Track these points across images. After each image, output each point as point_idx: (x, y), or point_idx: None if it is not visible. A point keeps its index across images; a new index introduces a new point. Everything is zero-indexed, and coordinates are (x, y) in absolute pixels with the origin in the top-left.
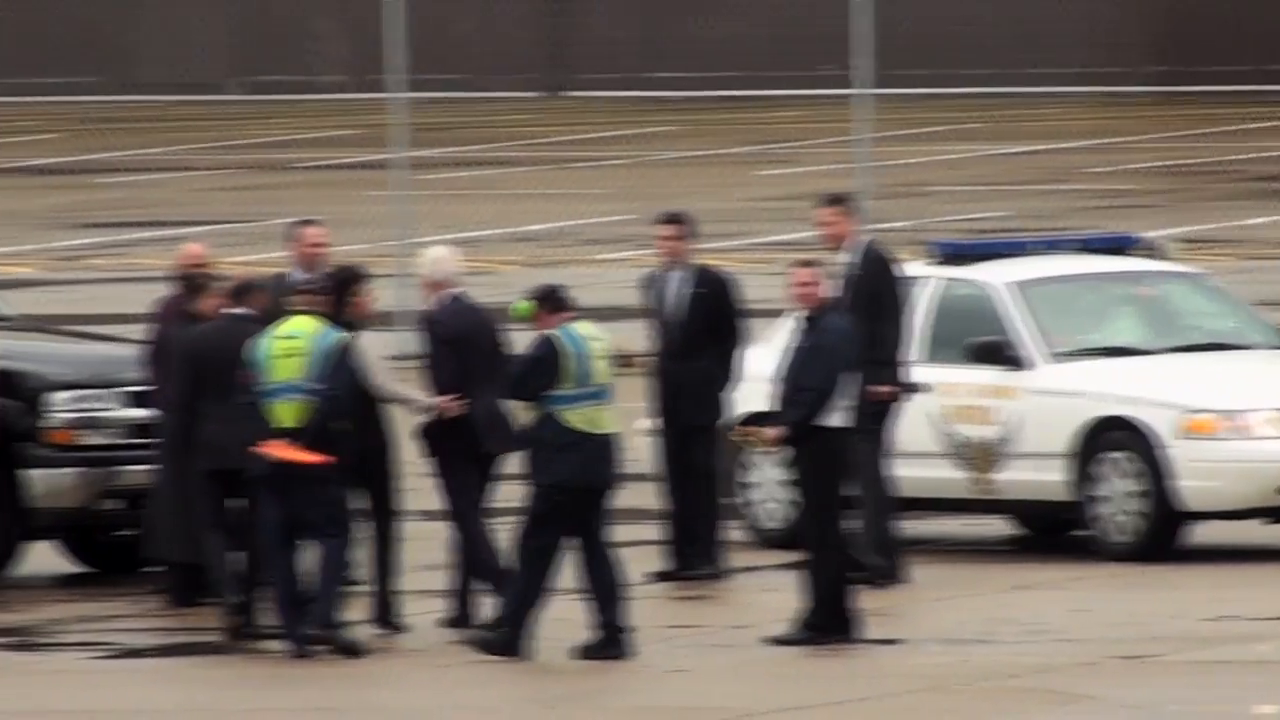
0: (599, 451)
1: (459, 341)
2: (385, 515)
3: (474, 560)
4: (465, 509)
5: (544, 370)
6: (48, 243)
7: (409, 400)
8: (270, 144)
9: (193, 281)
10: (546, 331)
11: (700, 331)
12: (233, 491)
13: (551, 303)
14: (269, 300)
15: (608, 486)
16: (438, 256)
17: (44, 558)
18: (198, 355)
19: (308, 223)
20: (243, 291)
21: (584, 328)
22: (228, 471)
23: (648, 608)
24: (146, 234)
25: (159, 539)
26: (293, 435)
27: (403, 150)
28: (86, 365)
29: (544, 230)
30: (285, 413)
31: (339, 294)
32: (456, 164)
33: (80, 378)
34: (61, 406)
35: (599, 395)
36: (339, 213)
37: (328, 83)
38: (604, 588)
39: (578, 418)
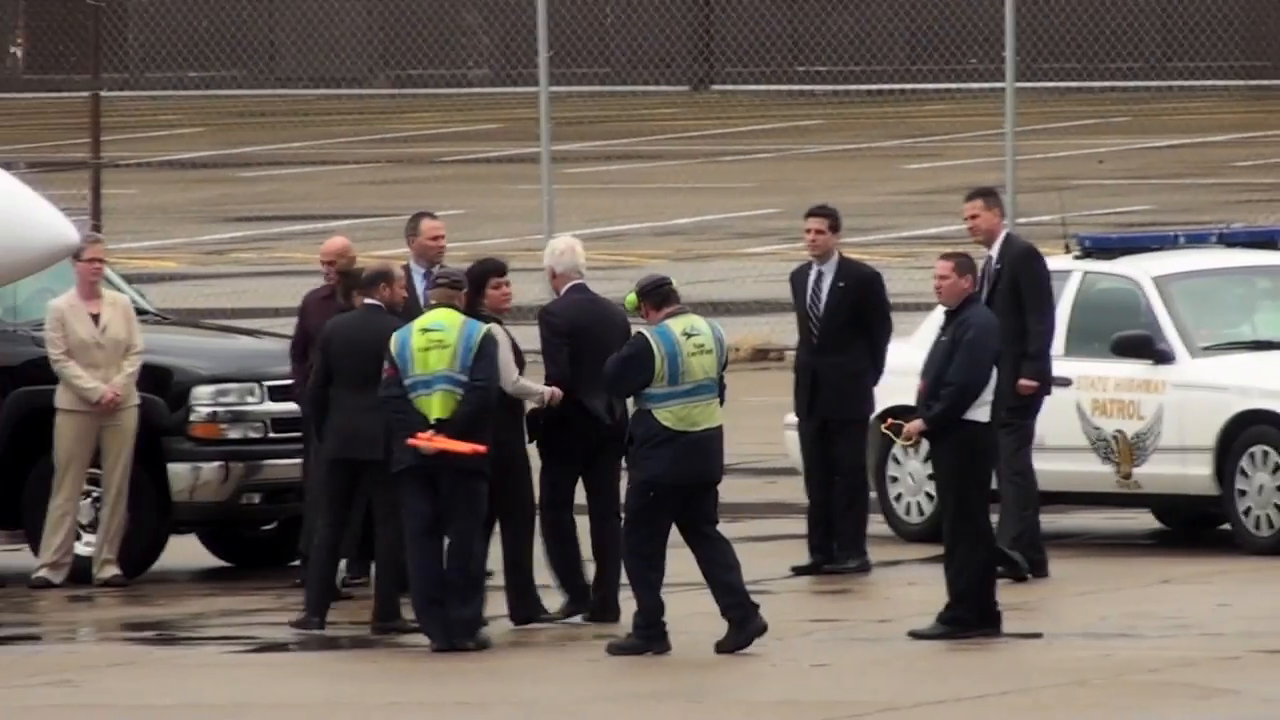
0: (693, 448)
1: (572, 334)
2: (523, 508)
3: (548, 553)
4: (555, 502)
5: (635, 369)
6: (193, 237)
7: (531, 392)
8: (416, 138)
9: (355, 277)
10: (640, 329)
11: (845, 325)
12: (359, 483)
13: (655, 297)
14: (401, 293)
15: (705, 482)
16: (561, 248)
17: (186, 552)
18: (329, 346)
19: (426, 216)
20: (372, 282)
21: (684, 323)
22: (355, 462)
23: (791, 602)
24: (291, 228)
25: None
26: (444, 426)
27: (548, 144)
28: (231, 360)
29: (690, 224)
30: (435, 404)
31: (478, 286)
32: (603, 158)
33: (225, 372)
34: (206, 401)
35: (693, 393)
36: (484, 206)
37: (474, 76)
38: (719, 581)
39: (669, 415)
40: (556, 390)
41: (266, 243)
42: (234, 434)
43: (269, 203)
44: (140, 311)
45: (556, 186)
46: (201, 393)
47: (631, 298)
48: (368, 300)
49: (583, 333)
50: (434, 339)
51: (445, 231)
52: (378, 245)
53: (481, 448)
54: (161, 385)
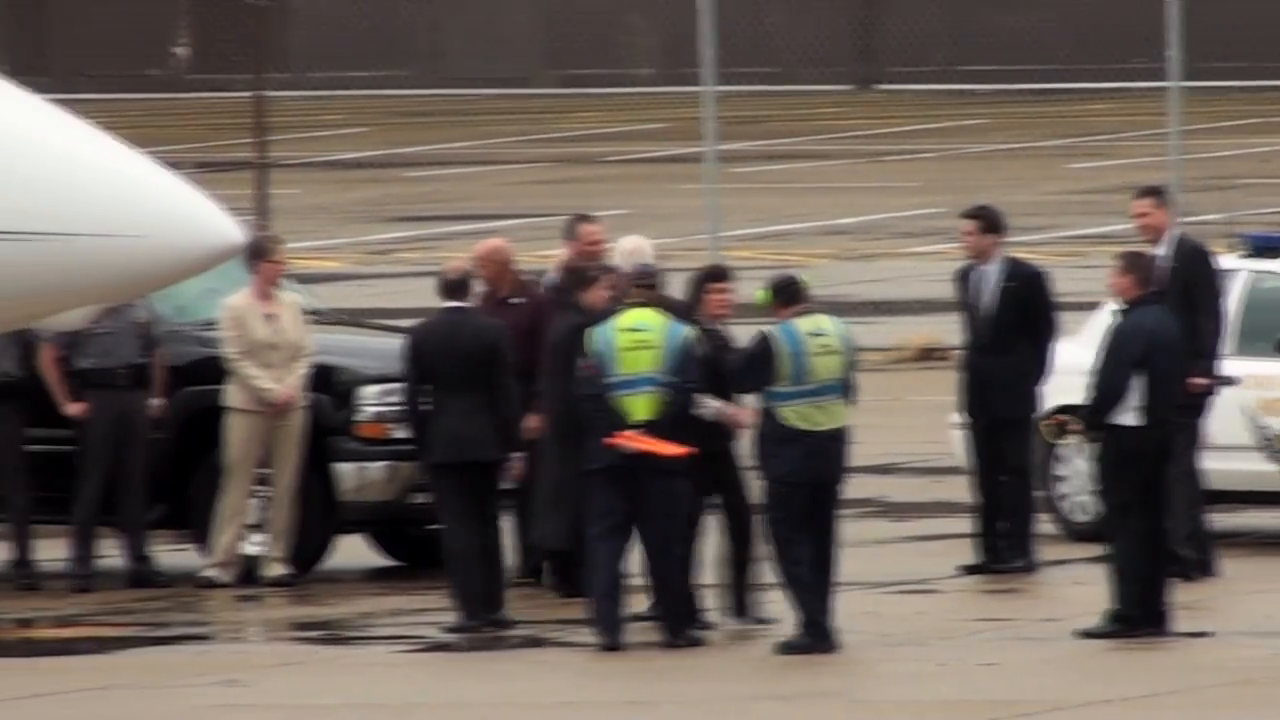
0: (818, 448)
1: None
2: (738, 508)
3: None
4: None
5: (758, 367)
6: (356, 237)
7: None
8: (580, 137)
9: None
10: (764, 328)
11: (1012, 325)
12: (468, 484)
13: (784, 295)
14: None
15: (828, 483)
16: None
17: (354, 551)
18: (420, 351)
19: (584, 219)
20: (456, 287)
21: (811, 323)
22: (464, 465)
23: (958, 601)
24: (455, 228)
25: (539, 528)
26: (648, 427)
27: (713, 144)
28: (396, 359)
29: (855, 223)
30: (639, 405)
31: (698, 289)
32: (767, 157)
33: (391, 371)
34: (372, 400)
35: (818, 392)
36: (648, 206)
37: (639, 76)
38: (816, 584)
39: (794, 414)
40: (738, 412)
41: (430, 243)
42: (400, 433)
43: (432, 203)
44: (307, 311)
45: (721, 186)
46: (368, 392)
47: (762, 294)
48: (450, 303)
49: None
50: (639, 339)
51: (605, 235)
52: (541, 246)
53: (685, 450)
54: (328, 384)
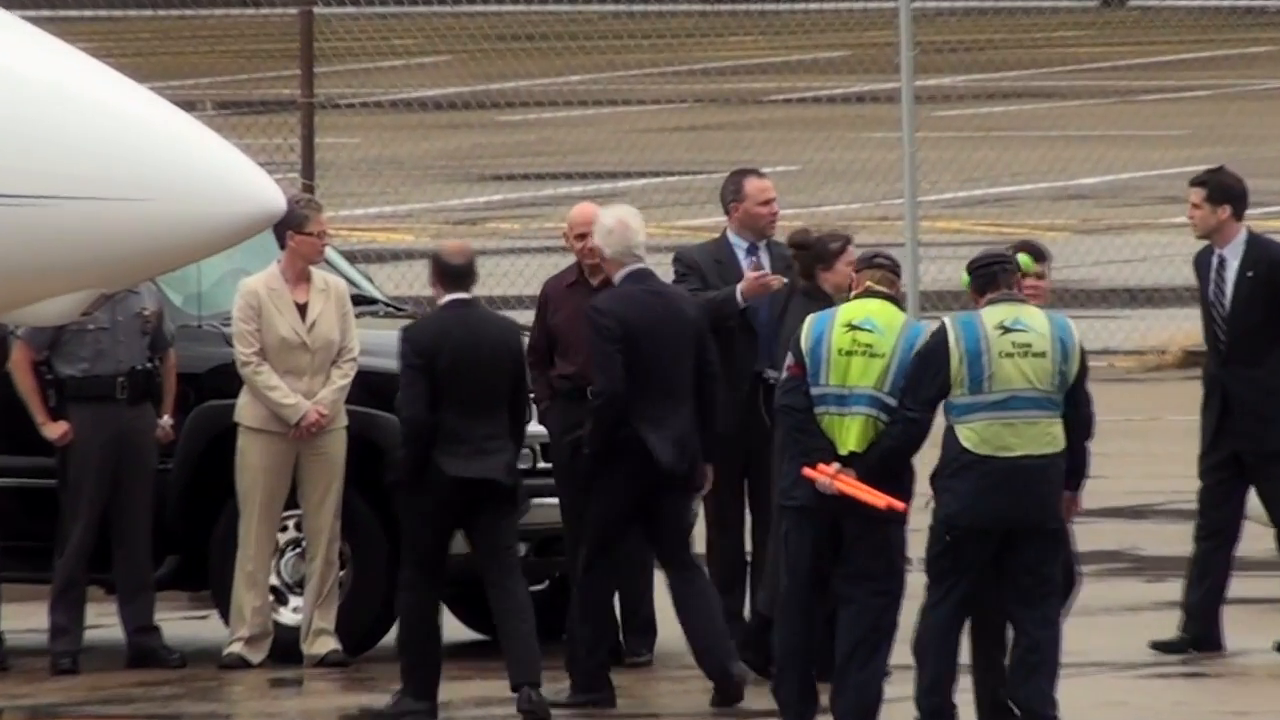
0: (1001, 480)
1: (627, 339)
2: None
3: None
4: (597, 561)
5: (929, 370)
6: (435, 201)
7: None
8: (733, 69)
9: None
10: (946, 318)
11: (1257, 327)
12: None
13: (980, 278)
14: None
15: (1020, 527)
16: (610, 224)
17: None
18: (434, 361)
19: (750, 174)
20: (461, 274)
21: (1004, 313)
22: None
23: (1230, 688)
24: (568, 189)
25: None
26: (855, 462)
27: (910, 79)
28: None
29: (1099, 185)
30: (851, 430)
31: (816, 262)
32: (982, 96)
33: None
34: None
35: (1006, 405)
36: (825, 161)
37: None
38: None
39: (971, 434)
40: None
41: (534, 209)
42: None
43: (537, 155)
44: (363, 300)
45: (921, 135)
46: None
47: (965, 278)
48: (452, 295)
49: (642, 336)
50: (862, 341)
51: (777, 193)
52: (683, 213)
53: (900, 505)
54: (389, 399)
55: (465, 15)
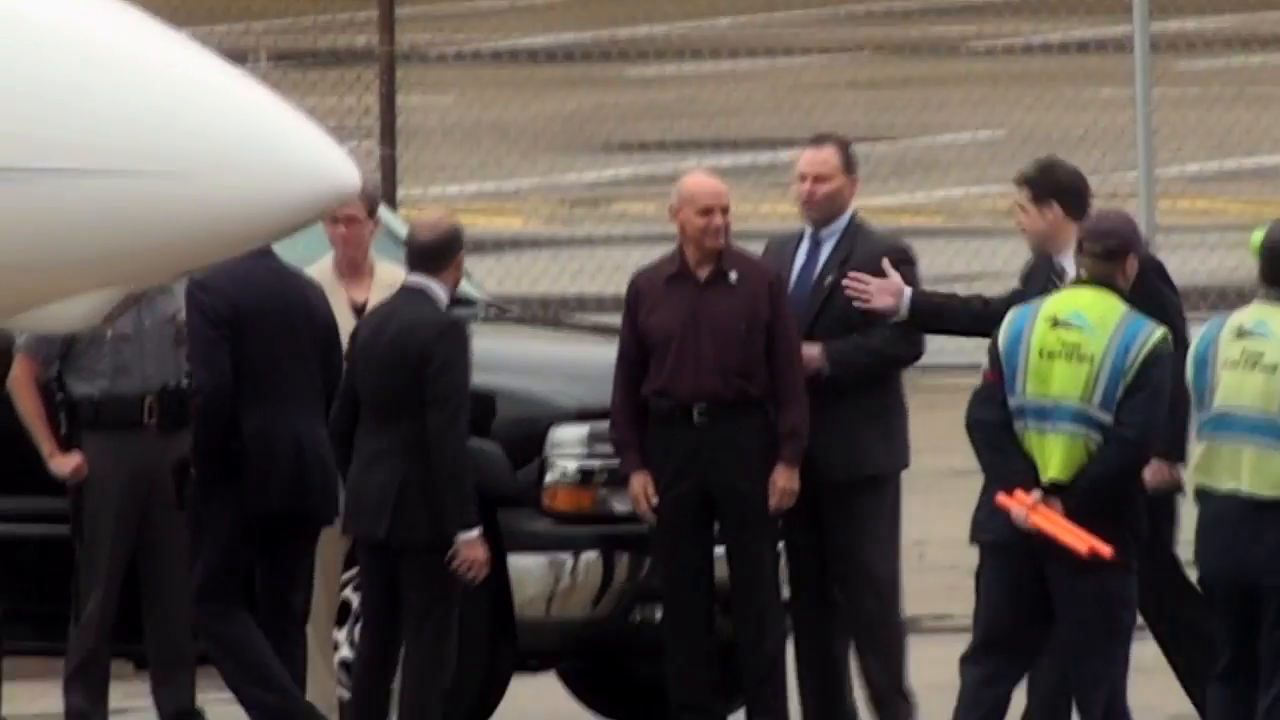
0: (1212, 520)
1: (234, 323)
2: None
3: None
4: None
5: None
6: (547, 176)
7: None
8: (919, 11)
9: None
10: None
11: None
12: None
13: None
14: None
15: (1246, 581)
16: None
17: (542, 699)
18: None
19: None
20: (433, 252)
21: (1250, 315)
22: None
23: None
24: (716, 160)
25: None
26: (1059, 492)
27: (1143, 23)
28: (606, 382)
29: None
30: (1054, 452)
31: None
32: (1234, 44)
33: (599, 403)
34: (573, 449)
35: (1218, 426)
36: (1036, 125)
37: None
38: None
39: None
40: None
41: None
42: (620, 504)
43: (674, 118)
44: (458, 300)
45: (1159, 91)
46: (565, 436)
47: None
48: (415, 278)
49: (250, 321)
50: (1068, 341)
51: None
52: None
53: (1106, 550)
54: (496, 425)
55: None
